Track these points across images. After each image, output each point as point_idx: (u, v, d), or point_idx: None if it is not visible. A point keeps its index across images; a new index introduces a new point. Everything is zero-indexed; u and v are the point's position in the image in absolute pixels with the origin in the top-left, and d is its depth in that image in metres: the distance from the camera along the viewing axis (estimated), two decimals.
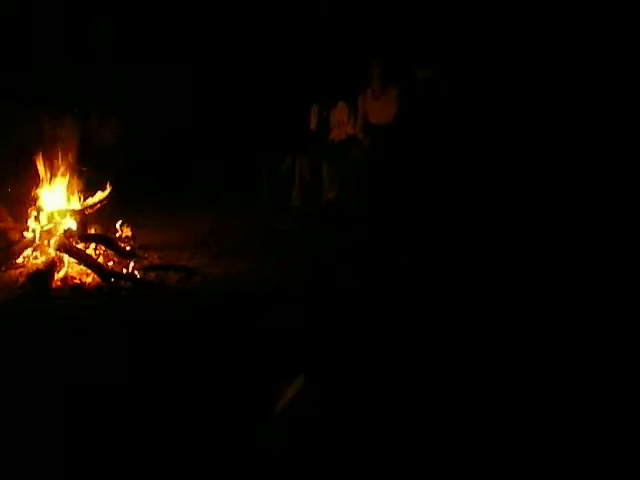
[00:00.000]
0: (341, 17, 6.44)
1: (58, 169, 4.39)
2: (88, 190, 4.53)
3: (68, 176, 4.41)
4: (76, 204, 4.42)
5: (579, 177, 5.15)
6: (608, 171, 5.14)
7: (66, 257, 4.08)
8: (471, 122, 5.53)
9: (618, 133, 5.34)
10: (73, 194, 4.44)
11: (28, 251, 4.22)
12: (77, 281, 3.98)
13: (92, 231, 4.41)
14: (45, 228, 4.23)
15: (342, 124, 5.84)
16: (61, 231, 4.18)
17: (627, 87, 5.40)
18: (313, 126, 5.98)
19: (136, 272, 4.12)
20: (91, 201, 4.48)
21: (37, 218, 4.28)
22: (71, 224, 4.25)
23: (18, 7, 6.03)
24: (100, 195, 4.52)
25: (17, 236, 4.31)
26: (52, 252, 4.12)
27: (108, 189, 4.53)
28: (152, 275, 4.12)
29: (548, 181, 5.24)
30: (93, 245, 4.29)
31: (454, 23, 5.84)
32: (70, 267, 4.08)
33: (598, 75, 5.50)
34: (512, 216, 4.93)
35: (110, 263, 4.21)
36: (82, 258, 4.06)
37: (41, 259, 4.14)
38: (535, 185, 5.22)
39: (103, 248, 4.29)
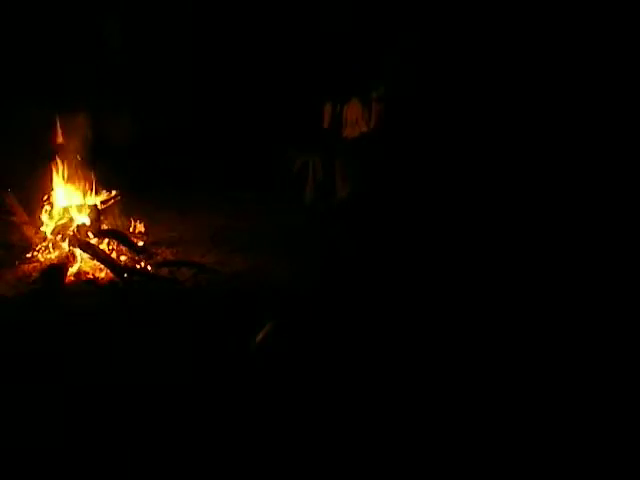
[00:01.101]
0: (344, 20, 6.42)
1: (71, 165, 4.40)
2: (102, 187, 4.55)
3: (81, 172, 4.43)
4: (89, 200, 4.43)
5: (572, 172, 5.14)
6: (601, 169, 5.12)
7: (79, 252, 4.10)
8: (467, 122, 5.54)
9: (605, 132, 5.32)
10: (86, 190, 4.46)
11: (42, 246, 4.24)
12: (90, 276, 4.00)
13: (105, 227, 4.42)
14: (59, 223, 4.24)
15: (356, 122, 5.81)
16: (75, 226, 4.20)
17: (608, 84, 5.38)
18: (327, 124, 5.96)
19: (149, 268, 4.13)
20: (104, 197, 4.49)
21: (51, 213, 4.30)
22: (84, 219, 4.27)
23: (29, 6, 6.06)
24: (114, 192, 4.54)
25: (31, 231, 4.32)
26: (65, 247, 4.14)
27: (121, 186, 4.55)
28: (165, 271, 4.11)
29: (545, 182, 5.23)
30: (106, 240, 4.29)
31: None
32: (83, 262, 4.09)
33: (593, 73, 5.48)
34: (511, 215, 4.91)
35: (123, 258, 4.21)
36: (95, 253, 4.07)
37: (55, 254, 4.15)
38: (534, 189, 5.21)
39: (116, 243, 4.29)
